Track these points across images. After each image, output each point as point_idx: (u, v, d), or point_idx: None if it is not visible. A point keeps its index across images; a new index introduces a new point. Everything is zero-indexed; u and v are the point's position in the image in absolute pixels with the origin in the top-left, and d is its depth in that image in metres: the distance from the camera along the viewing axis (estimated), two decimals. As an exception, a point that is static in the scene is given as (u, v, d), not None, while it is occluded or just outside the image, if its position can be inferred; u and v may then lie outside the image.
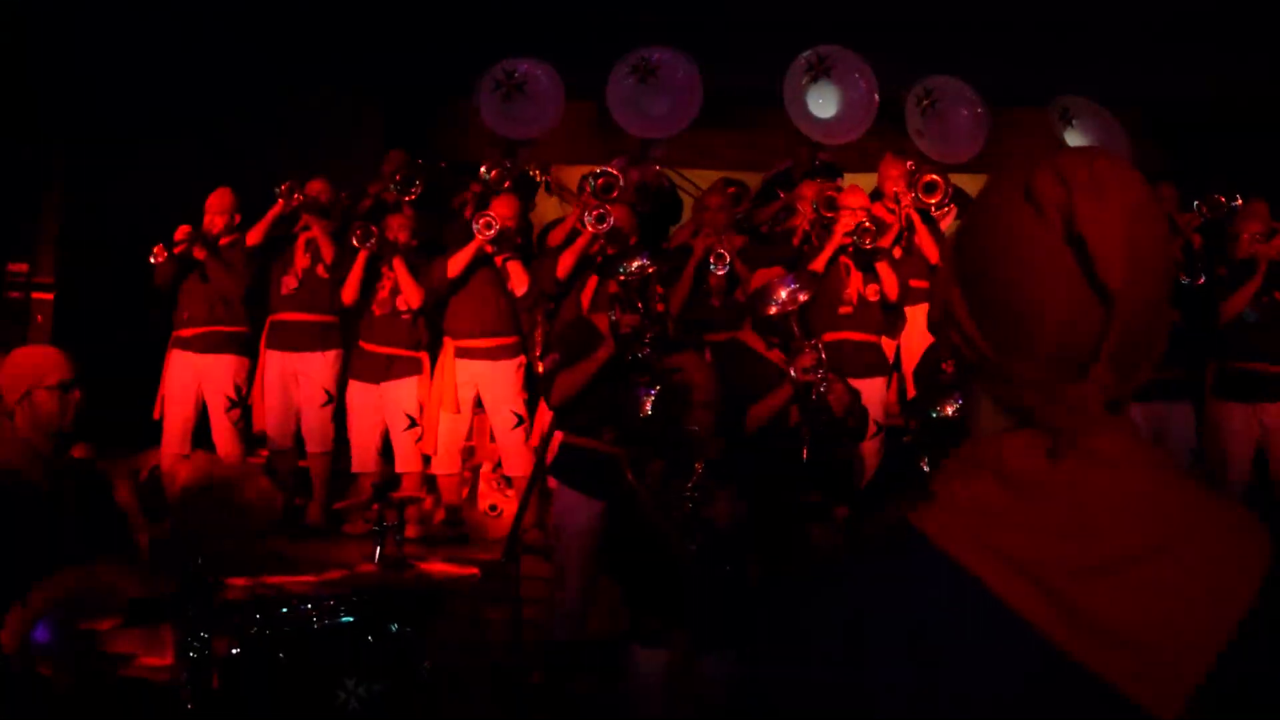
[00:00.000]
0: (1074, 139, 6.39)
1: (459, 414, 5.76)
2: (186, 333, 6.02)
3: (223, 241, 6.05)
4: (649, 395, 3.11)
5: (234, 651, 3.00)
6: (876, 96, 6.53)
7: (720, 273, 5.35)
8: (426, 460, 5.95)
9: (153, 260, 5.90)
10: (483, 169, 6.17)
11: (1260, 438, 5.58)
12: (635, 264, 4.08)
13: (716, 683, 3.22)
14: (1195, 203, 5.91)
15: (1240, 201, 5.80)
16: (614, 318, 4.07)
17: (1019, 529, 0.86)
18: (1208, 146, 9.08)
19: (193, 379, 6.02)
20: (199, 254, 5.93)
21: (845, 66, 6.59)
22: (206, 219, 6.04)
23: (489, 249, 5.59)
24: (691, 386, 3.32)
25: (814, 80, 6.59)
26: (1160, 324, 0.91)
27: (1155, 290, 0.88)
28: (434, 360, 5.97)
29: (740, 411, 4.14)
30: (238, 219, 6.11)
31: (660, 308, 4.25)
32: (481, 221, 5.46)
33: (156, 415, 6.05)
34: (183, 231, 5.96)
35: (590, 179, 5.81)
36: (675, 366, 3.34)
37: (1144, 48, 7.86)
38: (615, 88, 6.51)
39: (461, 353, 5.72)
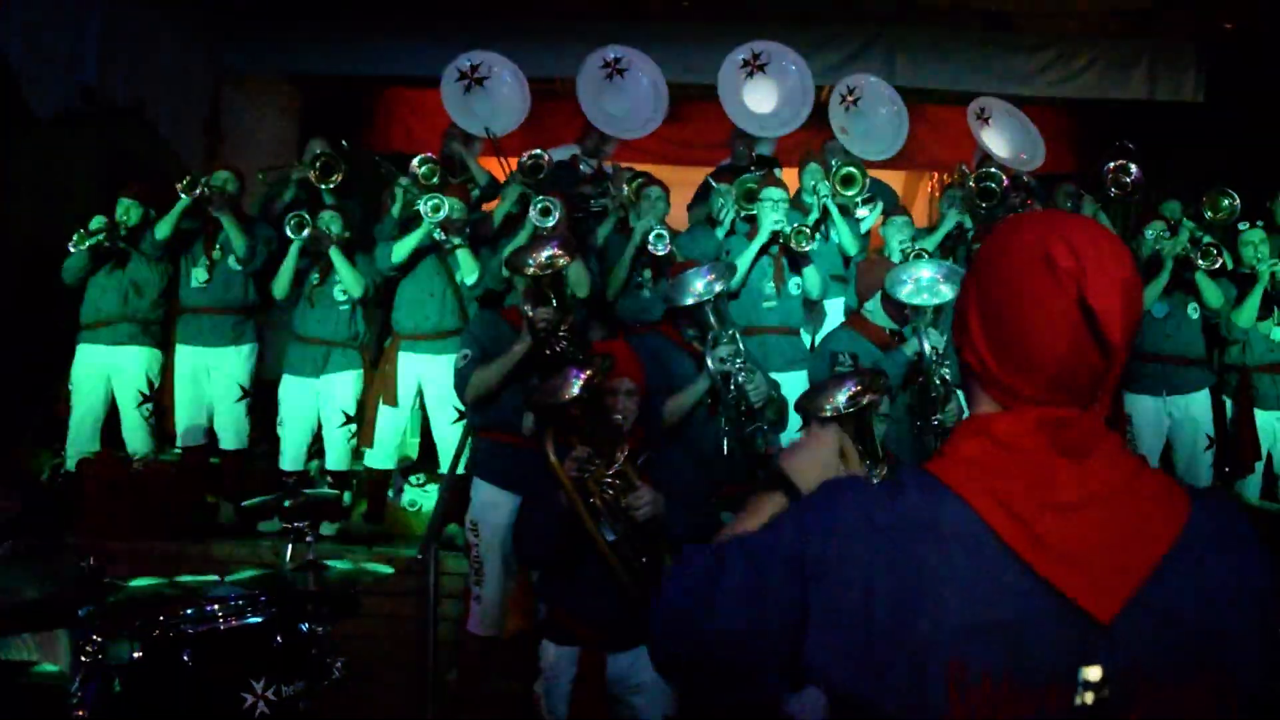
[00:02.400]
0: (990, 137, 6.51)
1: (398, 409, 5.65)
2: (96, 325, 5.83)
3: (139, 234, 5.89)
4: (578, 378, 3.04)
5: (135, 655, 2.90)
6: (813, 89, 6.58)
7: (661, 253, 5.35)
8: (358, 456, 5.85)
9: (71, 249, 5.70)
10: (414, 163, 6.06)
11: (1170, 429, 5.73)
12: (544, 254, 3.95)
13: (629, 681, 3.18)
14: (1104, 170, 5.99)
15: (1135, 169, 5.88)
16: (528, 313, 3.97)
17: (1004, 476, 1.16)
18: (1106, 148, 9.38)
19: (101, 372, 5.84)
20: (116, 245, 5.75)
21: (781, 61, 6.64)
22: (120, 210, 5.87)
23: (438, 235, 5.50)
24: (620, 374, 3.27)
25: (750, 76, 6.62)
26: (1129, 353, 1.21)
27: (1134, 336, 1.18)
28: (375, 354, 5.87)
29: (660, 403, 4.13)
30: (152, 213, 5.94)
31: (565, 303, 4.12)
32: (430, 205, 5.36)
33: (61, 412, 5.85)
34: (97, 222, 5.77)
35: (523, 159, 5.76)
36: (606, 353, 3.28)
37: (1049, 49, 8.06)
38: (586, 83, 6.48)
39: (407, 346, 5.62)
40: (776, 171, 6.45)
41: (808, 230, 5.26)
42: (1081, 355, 1.16)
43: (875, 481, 1.26)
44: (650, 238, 5.38)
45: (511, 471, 4.24)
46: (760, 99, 6.65)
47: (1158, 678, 1.12)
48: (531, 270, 3.93)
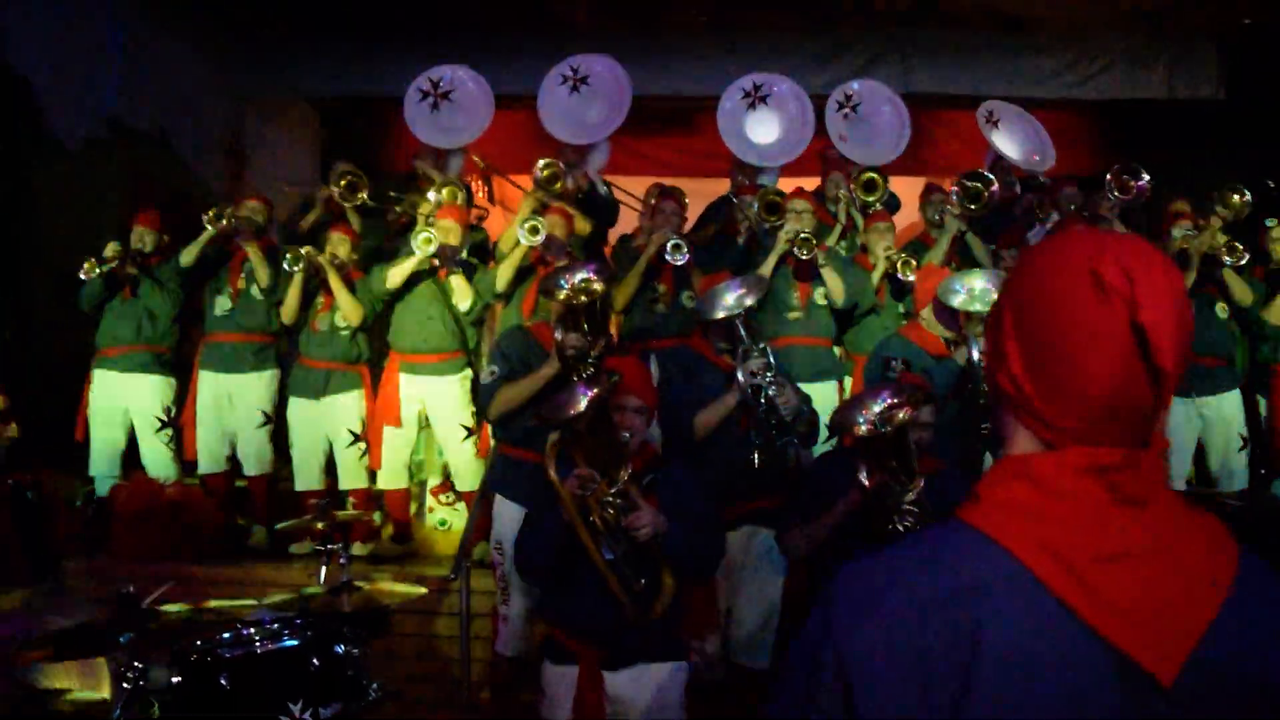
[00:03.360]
0: (1000, 140, 6.48)
1: (403, 429, 5.66)
2: (111, 352, 5.88)
3: (152, 260, 5.94)
4: (585, 395, 3.04)
5: (174, 680, 2.92)
6: (813, 121, 6.57)
7: (679, 263, 5.30)
8: (373, 476, 5.86)
9: (83, 276, 5.74)
10: (431, 191, 6.09)
11: (1201, 430, 5.67)
12: (578, 278, 3.89)
13: (629, 699, 3.15)
14: (1107, 178, 5.93)
15: (1146, 178, 5.83)
16: (559, 338, 3.93)
17: (1052, 524, 1.07)
18: (1127, 148, 9.33)
19: (119, 400, 5.88)
20: (130, 271, 5.79)
21: (781, 92, 6.64)
22: (134, 237, 5.92)
23: (432, 262, 5.53)
24: (628, 391, 3.26)
25: (751, 107, 6.62)
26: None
27: (1186, 360, 1.08)
28: (376, 375, 5.89)
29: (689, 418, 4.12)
30: (166, 239, 5.99)
31: (602, 323, 4.08)
32: (421, 238, 5.39)
33: (79, 437, 5.90)
34: (111, 249, 5.81)
35: (536, 170, 5.76)
36: (614, 370, 3.26)
37: (1067, 50, 8.03)
38: (546, 98, 6.49)
39: (406, 368, 5.64)
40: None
41: (811, 239, 5.22)
42: (1130, 382, 1.06)
43: (900, 541, 1.17)
44: (668, 247, 5.35)
45: (534, 489, 4.23)
46: (763, 130, 6.64)
47: None
48: (564, 295, 3.88)
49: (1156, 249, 1.11)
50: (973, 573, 1.06)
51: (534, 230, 5.14)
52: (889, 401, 3.11)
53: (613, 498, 3.05)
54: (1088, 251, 1.09)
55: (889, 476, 3.10)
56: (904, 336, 4.56)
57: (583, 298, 3.86)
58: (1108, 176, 5.84)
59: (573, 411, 3.02)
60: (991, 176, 5.66)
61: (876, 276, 5.66)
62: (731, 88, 6.60)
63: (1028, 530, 1.07)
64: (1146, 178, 5.78)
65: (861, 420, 3.11)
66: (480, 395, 4.27)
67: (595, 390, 3.03)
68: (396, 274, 5.55)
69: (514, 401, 4.14)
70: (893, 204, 6.57)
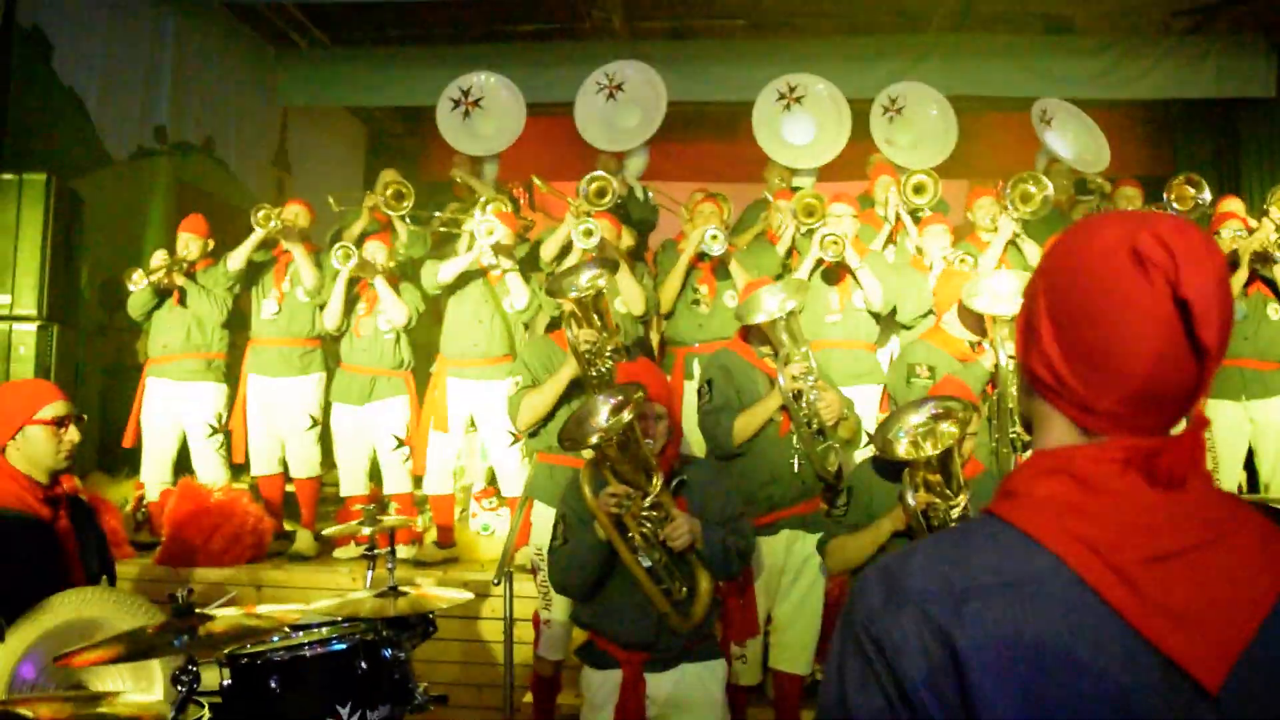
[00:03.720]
0: (1053, 139, 6.41)
1: (449, 434, 5.71)
2: (162, 360, 5.96)
3: (198, 266, 6.03)
4: (605, 406, 3.06)
5: (225, 683, 2.96)
6: (849, 121, 6.55)
7: (717, 252, 5.30)
8: (417, 481, 5.91)
9: (132, 286, 5.85)
10: (480, 202, 6.13)
11: (1251, 435, 5.58)
12: (584, 277, 3.97)
13: (671, 700, 3.17)
14: (1165, 196, 5.89)
15: (1209, 195, 5.79)
16: (571, 336, 4.00)
17: (1095, 521, 1.03)
18: (1185, 145, 9.21)
19: (171, 407, 5.96)
20: (177, 280, 5.89)
21: (816, 93, 6.62)
22: (180, 245, 6.00)
23: (481, 264, 5.54)
24: (649, 398, 3.26)
25: (787, 109, 6.61)
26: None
27: (1229, 338, 1.05)
28: (419, 380, 5.94)
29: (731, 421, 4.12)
30: (211, 244, 6.08)
31: (610, 323, 4.10)
32: (484, 227, 5.39)
33: (129, 443, 6.00)
34: (159, 258, 5.91)
35: (584, 183, 5.77)
36: (635, 382, 3.26)
37: (1112, 50, 7.94)
38: (583, 105, 6.52)
39: (455, 372, 5.67)
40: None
41: (841, 240, 5.18)
42: (1173, 360, 1.02)
43: (936, 537, 1.11)
44: (706, 238, 5.33)
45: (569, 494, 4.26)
46: (798, 130, 6.62)
47: None
48: (573, 294, 3.95)
49: (1195, 224, 1.08)
50: (1013, 570, 1.02)
51: (588, 233, 5.11)
52: (932, 413, 3.11)
53: (648, 510, 3.07)
54: (1126, 228, 1.06)
55: (934, 494, 3.10)
56: (927, 342, 4.50)
57: (589, 294, 3.94)
58: (1167, 188, 5.79)
59: (595, 428, 3.03)
60: (1044, 179, 5.59)
61: (933, 279, 5.59)
62: (767, 89, 6.60)
63: (1071, 528, 1.03)
64: (1209, 195, 5.73)
65: (903, 437, 3.13)
66: (508, 407, 4.31)
67: (615, 401, 3.05)
68: (450, 267, 5.55)
69: (540, 408, 4.18)
70: (941, 208, 6.53)
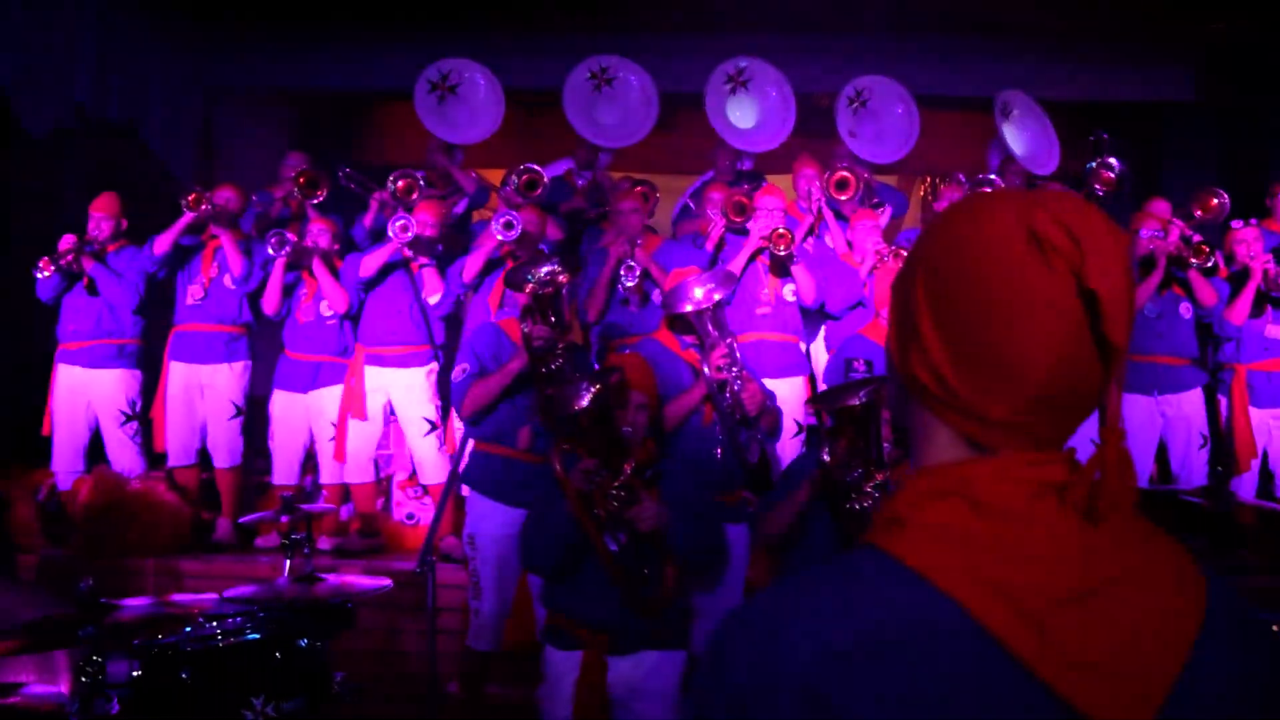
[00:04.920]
0: (1010, 134, 6.49)
1: (368, 421, 5.65)
2: (72, 346, 5.81)
3: (111, 248, 5.87)
4: (589, 390, 3.08)
5: (134, 674, 2.91)
6: (794, 104, 6.59)
7: (630, 284, 5.32)
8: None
9: (39, 275, 5.68)
10: (390, 179, 6.07)
11: (1162, 429, 5.74)
12: (544, 271, 3.98)
13: (630, 685, 3.22)
14: (1088, 167, 6.03)
15: (1117, 165, 5.95)
16: (526, 330, 4.01)
17: (996, 555, 0.88)
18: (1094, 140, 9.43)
19: (81, 394, 5.82)
20: (86, 264, 5.73)
21: (763, 78, 6.66)
22: (91, 225, 5.83)
23: (406, 253, 5.52)
24: (629, 387, 3.32)
25: (733, 92, 6.64)
26: None
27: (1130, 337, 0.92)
28: None
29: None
30: (124, 224, 5.92)
31: (569, 317, 4.17)
32: (398, 225, 5.37)
33: (46, 431, 5.85)
34: (68, 242, 5.73)
35: (514, 175, 5.73)
36: (617, 366, 3.31)
37: (1040, 52, 8.11)
38: (572, 94, 6.49)
39: (372, 359, 5.63)
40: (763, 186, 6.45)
41: (788, 235, 5.23)
42: (1076, 360, 0.90)
43: (806, 573, 0.94)
44: (621, 270, 5.36)
45: (506, 484, 4.27)
46: (743, 114, 6.66)
47: None
48: (530, 287, 3.95)
49: (1095, 208, 0.94)
50: (904, 620, 0.87)
51: (509, 225, 5.11)
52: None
53: (616, 490, 3.10)
54: (1020, 208, 0.92)
55: (853, 455, 3.12)
56: (865, 336, 4.56)
57: (548, 289, 3.94)
58: (1088, 168, 5.94)
59: (576, 407, 3.06)
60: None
61: (865, 272, 5.65)
62: (716, 71, 6.61)
63: (967, 563, 0.88)
64: (1117, 163, 5.88)
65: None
66: (453, 393, 4.31)
67: (599, 385, 3.08)
68: (369, 261, 5.54)
69: (485, 397, 4.19)
70: (902, 206, 6.63)
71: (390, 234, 5.39)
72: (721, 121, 6.50)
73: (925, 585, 0.87)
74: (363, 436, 5.68)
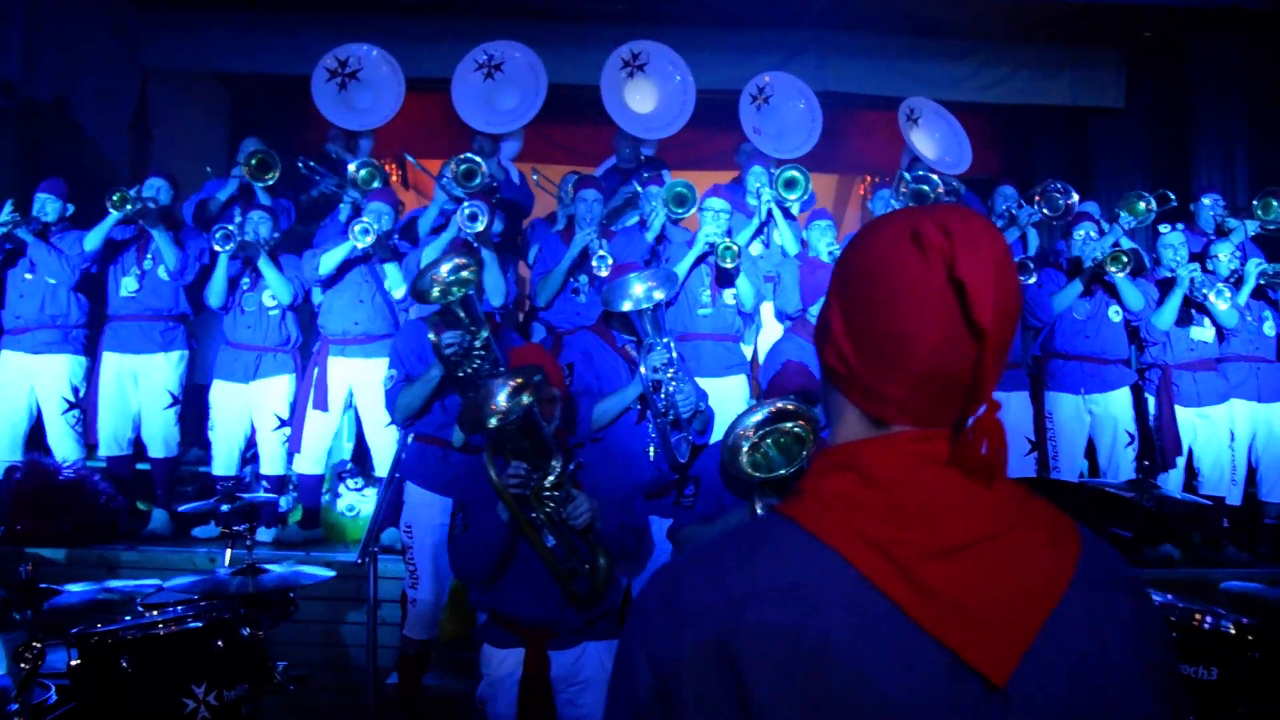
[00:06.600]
0: (919, 139, 6.62)
1: (327, 413, 5.60)
2: (17, 330, 5.69)
3: (52, 232, 5.74)
4: (501, 390, 3.06)
5: (73, 662, 2.87)
6: (694, 90, 6.62)
7: (604, 275, 5.28)
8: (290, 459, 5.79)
9: None
10: (351, 167, 6.00)
11: (1091, 426, 5.91)
12: (445, 268, 3.79)
13: (572, 677, 3.24)
14: (1035, 197, 6.20)
15: (1076, 198, 6.13)
16: (433, 339, 3.92)
17: (879, 518, 1.01)
18: (1040, 150, 9.68)
19: (24, 379, 5.70)
20: (27, 237, 5.58)
21: (660, 61, 6.67)
22: (36, 206, 5.71)
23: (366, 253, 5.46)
24: (545, 382, 3.29)
25: (630, 76, 6.64)
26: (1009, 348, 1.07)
27: (1012, 326, 1.04)
28: (305, 359, 5.82)
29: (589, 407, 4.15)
30: (70, 209, 5.80)
31: (478, 316, 3.94)
32: (359, 229, 5.30)
33: None
34: (6, 212, 5.60)
35: (452, 164, 5.68)
36: (535, 365, 3.28)
37: (975, 55, 8.29)
38: (460, 84, 6.44)
39: (336, 350, 5.59)
40: (665, 173, 6.48)
41: (734, 248, 5.26)
42: (953, 342, 1.02)
43: (714, 540, 1.08)
44: (594, 260, 5.38)
45: (442, 475, 4.29)
46: (641, 99, 6.66)
47: None
48: (437, 292, 3.79)
49: (977, 212, 1.09)
50: (794, 572, 1.00)
51: (474, 217, 4.97)
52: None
53: (550, 489, 3.11)
54: (911, 217, 1.07)
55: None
56: (796, 335, 4.60)
57: (455, 290, 3.79)
58: (1036, 196, 6.10)
59: (493, 411, 3.02)
60: (935, 177, 5.82)
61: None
62: (611, 57, 6.59)
63: (853, 524, 1.01)
64: (1077, 196, 6.06)
65: (744, 444, 3.27)
66: (385, 399, 4.30)
67: (512, 384, 3.05)
68: (329, 260, 5.48)
69: (413, 404, 4.21)
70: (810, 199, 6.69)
71: (353, 238, 5.30)
72: (619, 108, 6.48)
73: (815, 542, 1.01)
74: (320, 428, 5.63)
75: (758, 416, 3.34)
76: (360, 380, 5.58)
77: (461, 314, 3.88)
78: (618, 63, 6.57)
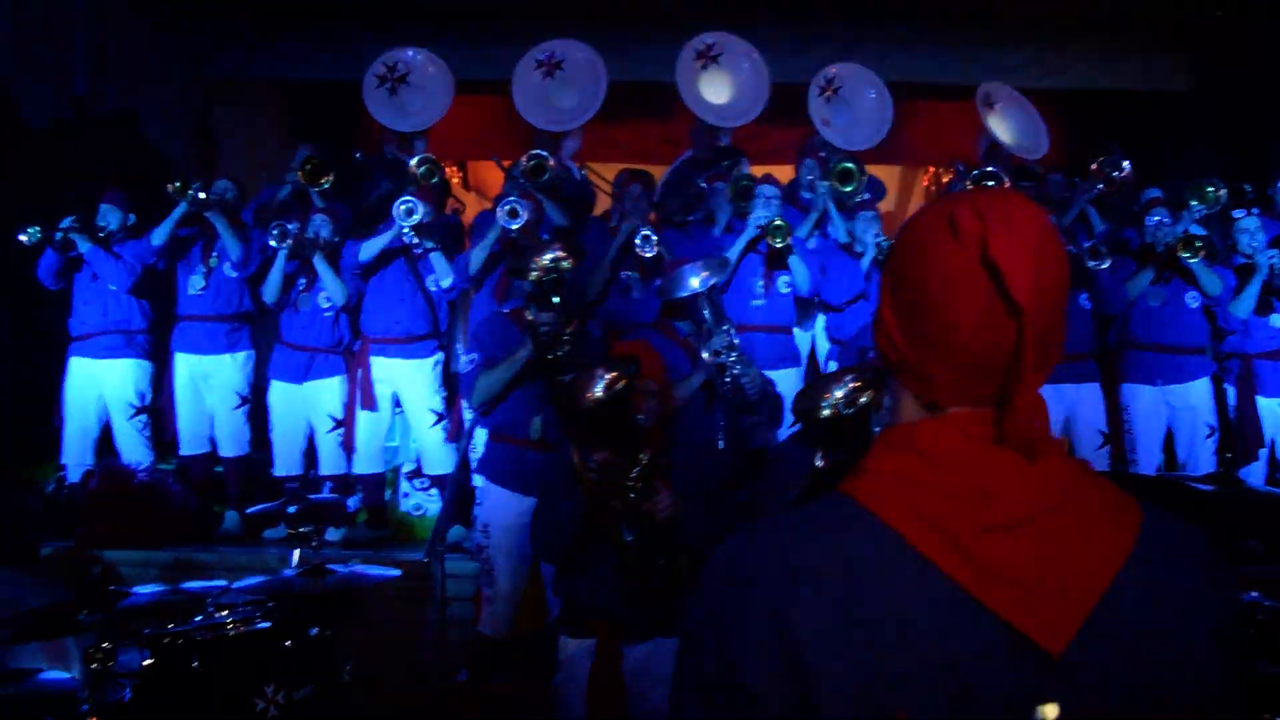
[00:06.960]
0: (996, 123, 6.47)
1: (377, 413, 5.65)
2: (82, 337, 5.83)
3: (116, 240, 5.86)
4: (603, 378, 3.04)
5: (145, 662, 2.90)
6: (768, 79, 6.55)
7: (648, 255, 5.24)
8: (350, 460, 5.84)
9: (24, 239, 5.65)
10: (413, 163, 6.03)
11: (1169, 418, 5.74)
12: (548, 257, 3.94)
13: (645, 672, 3.20)
14: (1092, 166, 6.02)
15: (1128, 166, 5.94)
16: (530, 318, 3.98)
17: (934, 495, 1.04)
18: (1118, 137, 9.44)
19: (92, 386, 5.83)
20: (82, 243, 5.69)
21: (733, 52, 6.62)
22: (99, 216, 5.85)
23: (411, 239, 5.48)
24: (642, 376, 3.27)
25: (704, 68, 6.60)
26: (1061, 328, 1.10)
27: (1055, 304, 1.07)
28: (350, 358, 5.87)
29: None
30: (131, 219, 5.93)
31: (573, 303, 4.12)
32: (403, 208, 5.31)
33: (56, 423, 5.84)
34: (68, 221, 5.73)
35: (522, 161, 5.69)
36: (631, 355, 3.27)
37: (1037, 41, 8.11)
38: (521, 83, 6.45)
39: (377, 350, 5.63)
40: (744, 163, 6.43)
41: (785, 226, 5.22)
42: (993, 322, 1.03)
43: (776, 517, 1.12)
44: (637, 240, 5.33)
45: (521, 474, 4.27)
46: (716, 90, 6.61)
47: (1117, 711, 1.01)
48: (535, 274, 3.92)
49: (1020, 196, 1.11)
50: (852, 547, 1.03)
51: (513, 214, 5.02)
52: (852, 385, 3.12)
53: (632, 482, 3.07)
54: (951, 202, 1.09)
55: (847, 458, 3.11)
56: None
57: (553, 275, 3.91)
58: (1092, 168, 5.94)
59: (590, 396, 3.01)
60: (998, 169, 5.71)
61: (866, 264, 5.64)
62: (685, 49, 6.55)
63: (909, 501, 1.04)
64: (1128, 165, 5.88)
65: (825, 405, 3.13)
66: (461, 383, 4.31)
67: (613, 374, 3.03)
68: (371, 247, 5.51)
69: (494, 387, 4.20)
70: (879, 191, 6.58)
71: (396, 217, 5.33)
72: (694, 98, 6.44)
73: (873, 519, 1.04)
74: (371, 427, 5.68)
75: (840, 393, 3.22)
76: (403, 381, 5.63)
77: (555, 299, 3.97)
78: (691, 54, 6.55)
